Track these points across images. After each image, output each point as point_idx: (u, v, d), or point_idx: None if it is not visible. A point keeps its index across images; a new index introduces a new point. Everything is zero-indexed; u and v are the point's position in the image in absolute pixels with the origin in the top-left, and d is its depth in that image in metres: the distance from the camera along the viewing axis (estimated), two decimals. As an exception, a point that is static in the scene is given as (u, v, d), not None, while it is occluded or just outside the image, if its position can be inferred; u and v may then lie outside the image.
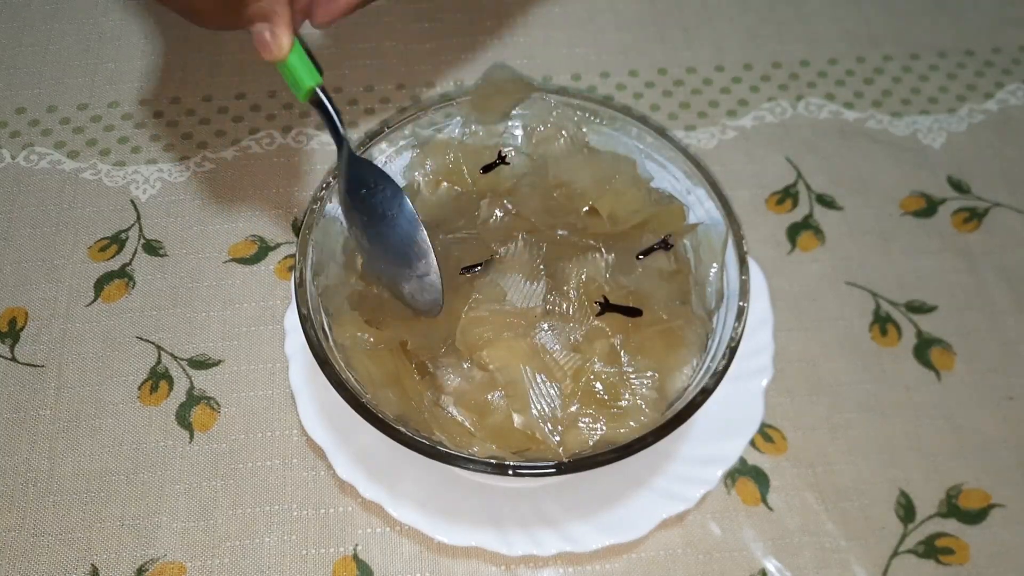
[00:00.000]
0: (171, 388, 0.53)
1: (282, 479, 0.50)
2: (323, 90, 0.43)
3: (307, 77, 0.42)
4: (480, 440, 0.42)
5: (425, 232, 0.44)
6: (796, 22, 0.70)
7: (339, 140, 0.44)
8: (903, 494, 0.50)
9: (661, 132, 0.49)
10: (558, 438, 0.41)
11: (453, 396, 0.43)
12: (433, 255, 0.43)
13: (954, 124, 0.65)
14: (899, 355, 0.55)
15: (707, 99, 0.66)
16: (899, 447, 0.52)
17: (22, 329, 0.55)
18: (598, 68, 0.67)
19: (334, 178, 0.47)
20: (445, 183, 0.50)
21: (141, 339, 0.54)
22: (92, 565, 0.47)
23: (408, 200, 0.44)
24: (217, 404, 0.52)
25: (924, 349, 0.55)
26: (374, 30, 0.69)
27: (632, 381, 0.43)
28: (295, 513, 0.49)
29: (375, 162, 0.49)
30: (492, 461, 0.39)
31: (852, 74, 0.67)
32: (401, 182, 0.50)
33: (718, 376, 0.41)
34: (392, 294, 0.45)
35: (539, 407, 0.42)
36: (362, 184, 0.45)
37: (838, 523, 0.49)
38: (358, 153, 0.47)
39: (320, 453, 0.50)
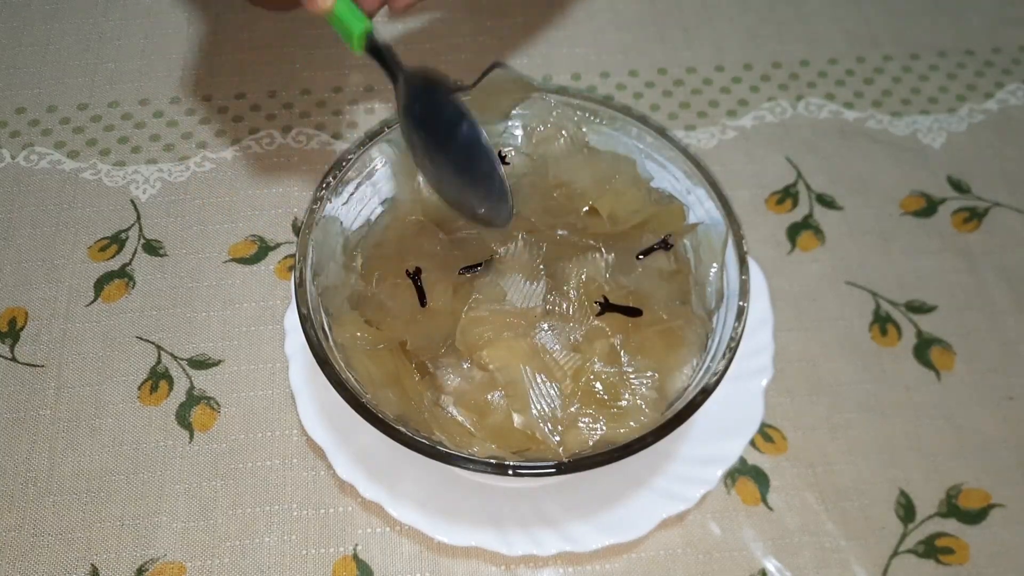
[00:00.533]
0: (171, 388, 0.53)
1: (282, 479, 0.50)
2: (372, 34, 0.43)
3: (356, 23, 0.42)
4: (480, 440, 0.42)
5: (483, 132, 0.43)
6: (796, 22, 0.70)
7: (394, 76, 0.44)
8: (903, 494, 0.50)
9: (661, 132, 0.49)
10: (558, 438, 0.41)
11: (453, 396, 0.43)
12: (495, 153, 0.43)
13: (954, 124, 0.65)
14: (899, 355, 0.55)
15: (707, 99, 0.66)
16: (899, 447, 0.52)
17: (22, 329, 0.55)
18: (598, 68, 0.67)
19: (334, 178, 0.47)
20: (445, 183, 0.50)
21: (141, 339, 0.54)
22: (92, 565, 0.47)
23: (462, 102, 0.44)
24: (217, 404, 0.52)
25: (924, 349, 0.55)
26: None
27: (632, 381, 0.43)
28: (295, 513, 0.49)
29: (376, 161, 0.49)
30: (492, 461, 0.39)
31: (852, 74, 0.67)
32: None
33: (718, 376, 0.41)
34: (464, 215, 0.46)
35: (539, 407, 0.42)
36: (417, 100, 0.44)
37: (838, 523, 0.49)
38: (358, 149, 0.47)
39: (320, 453, 0.50)
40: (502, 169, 0.43)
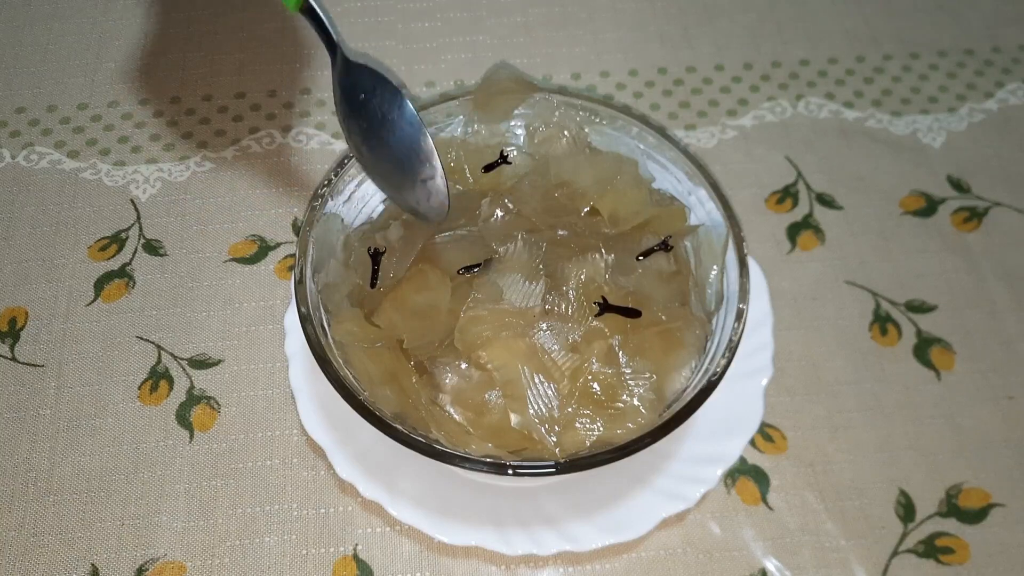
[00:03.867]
0: (171, 388, 0.53)
1: (282, 479, 0.50)
2: None
3: None
4: (477, 439, 0.42)
5: (428, 134, 0.44)
6: (796, 21, 0.70)
7: (332, 47, 0.44)
8: (903, 493, 0.50)
9: (661, 132, 0.49)
10: (554, 439, 0.41)
11: (450, 395, 0.43)
12: (437, 157, 0.44)
13: (954, 123, 0.65)
14: (899, 355, 0.55)
15: (707, 98, 0.66)
16: (899, 447, 0.52)
17: (22, 329, 0.55)
18: (598, 68, 0.67)
19: (336, 175, 0.47)
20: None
21: (141, 339, 0.54)
22: (92, 565, 0.47)
23: (408, 102, 0.44)
24: (217, 404, 0.52)
25: (924, 349, 0.55)
26: (374, 30, 0.69)
27: (630, 382, 0.43)
28: (295, 513, 0.49)
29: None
30: (488, 460, 0.39)
31: (852, 73, 0.67)
32: None
33: (716, 378, 0.41)
34: (397, 203, 0.46)
35: (536, 407, 0.42)
36: (360, 89, 0.44)
37: (838, 523, 0.49)
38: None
39: (320, 453, 0.50)
40: (441, 168, 0.44)
